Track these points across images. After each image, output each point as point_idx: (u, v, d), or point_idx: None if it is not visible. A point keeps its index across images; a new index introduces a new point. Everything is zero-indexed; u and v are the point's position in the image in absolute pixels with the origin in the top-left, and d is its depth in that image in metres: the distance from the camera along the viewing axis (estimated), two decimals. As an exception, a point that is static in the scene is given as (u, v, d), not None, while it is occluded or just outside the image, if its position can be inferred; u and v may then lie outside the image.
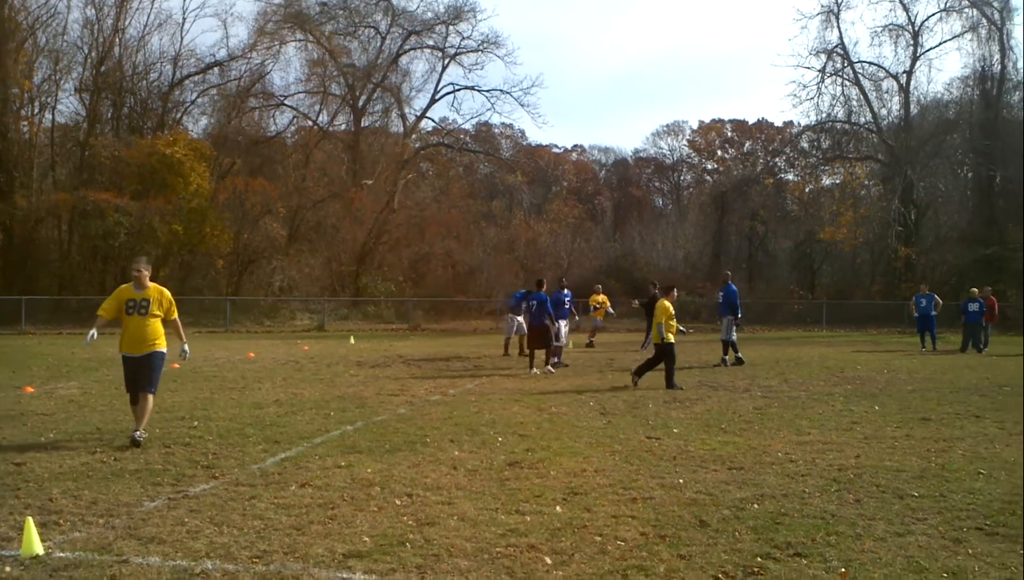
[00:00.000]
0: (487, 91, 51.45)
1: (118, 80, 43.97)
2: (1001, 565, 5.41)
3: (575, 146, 76.65)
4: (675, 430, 10.49)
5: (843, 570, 5.30)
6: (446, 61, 51.18)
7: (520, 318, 20.27)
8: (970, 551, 5.70)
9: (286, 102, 50.12)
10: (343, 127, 52.80)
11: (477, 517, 6.47)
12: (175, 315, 9.75)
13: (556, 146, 72.71)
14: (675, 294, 15.99)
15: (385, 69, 49.80)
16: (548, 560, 5.49)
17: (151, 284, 9.64)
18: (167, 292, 9.74)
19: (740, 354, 19.88)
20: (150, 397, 9.53)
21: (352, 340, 29.36)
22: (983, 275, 33.84)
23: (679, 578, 5.20)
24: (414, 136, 53.21)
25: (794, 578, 5.19)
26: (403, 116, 52.65)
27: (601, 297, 27.36)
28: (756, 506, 6.84)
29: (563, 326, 20.01)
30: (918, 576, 5.22)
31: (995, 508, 6.76)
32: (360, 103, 50.44)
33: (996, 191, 45.04)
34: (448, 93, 52.06)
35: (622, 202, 67.00)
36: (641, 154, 74.86)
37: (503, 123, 62.06)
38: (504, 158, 59.59)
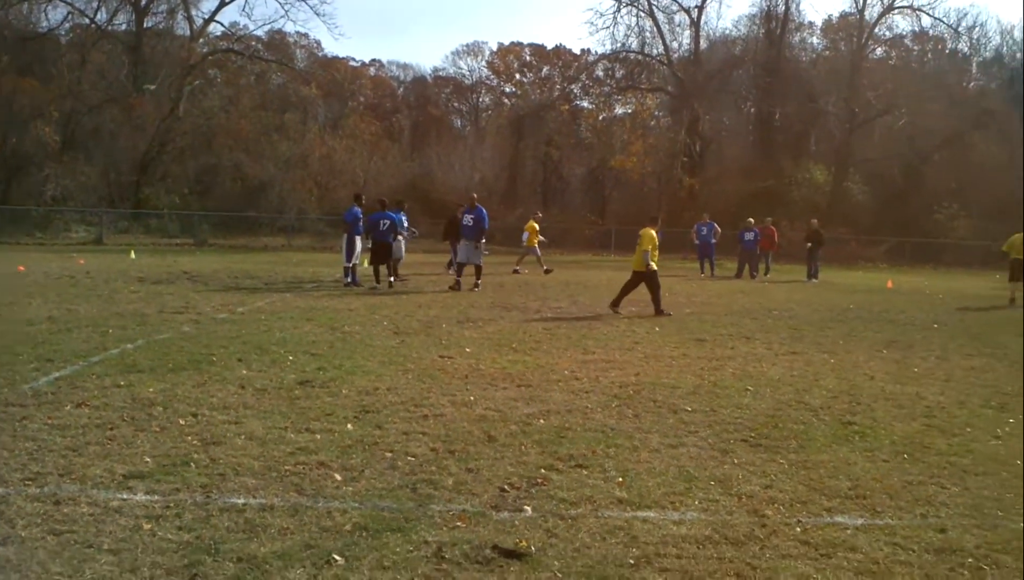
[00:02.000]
0: (281, -4, 49.26)
1: None
2: (762, 473, 5.88)
3: (373, 60, 74.37)
4: (467, 349, 10.67)
5: (620, 479, 5.61)
6: (238, -39, 48.49)
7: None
8: (736, 461, 6.16)
9: (60, -4, 46.01)
10: (124, 27, 48.97)
11: (265, 436, 6.38)
12: None
13: (353, 60, 70.24)
14: (660, 223, 16.90)
15: (171, -34, 46.63)
16: (338, 476, 5.50)
17: None
18: None
19: (479, 281, 19.32)
20: None
21: (132, 254, 27.87)
22: (761, 206, 36.01)
23: (466, 490, 5.34)
24: (201, 40, 50.21)
25: (575, 487, 5.44)
26: (190, 18, 49.49)
27: (532, 223, 25.87)
28: (542, 421, 7.10)
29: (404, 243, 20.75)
30: (688, 484, 5.60)
31: (759, 422, 7.33)
32: (143, 2, 47.07)
33: (775, 127, 47.81)
34: (240, -3, 49.55)
35: (420, 121, 66.10)
36: (440, 73, 73.89)
37: (298, 32, 59.72)
38: (298, 69, 57.19)
